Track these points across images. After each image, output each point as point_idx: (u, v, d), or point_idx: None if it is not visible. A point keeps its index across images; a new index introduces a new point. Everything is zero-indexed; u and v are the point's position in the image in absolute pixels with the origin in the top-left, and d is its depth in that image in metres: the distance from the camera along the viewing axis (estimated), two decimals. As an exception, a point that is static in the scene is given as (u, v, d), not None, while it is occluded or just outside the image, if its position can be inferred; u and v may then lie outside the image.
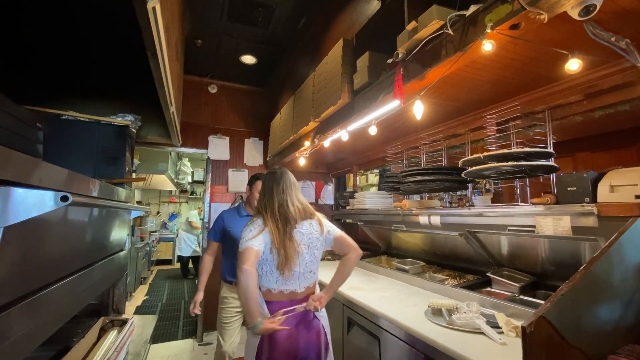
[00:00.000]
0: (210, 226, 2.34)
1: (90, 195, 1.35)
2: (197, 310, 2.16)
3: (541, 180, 1.68)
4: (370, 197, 3.04)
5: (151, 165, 5.31)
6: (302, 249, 1.51)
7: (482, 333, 1.31)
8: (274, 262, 1.47)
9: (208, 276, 2.26)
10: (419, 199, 2.60)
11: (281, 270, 1.46)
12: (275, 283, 1.49)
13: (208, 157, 4.01)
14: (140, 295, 5.45)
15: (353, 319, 1.95)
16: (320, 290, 1.60)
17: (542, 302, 1.46)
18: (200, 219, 6.22)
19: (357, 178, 4.09)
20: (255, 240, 1.43)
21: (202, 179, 6.34)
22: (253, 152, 4.23)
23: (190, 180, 8.58)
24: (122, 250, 2.20)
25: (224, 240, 2.25)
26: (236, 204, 2.48)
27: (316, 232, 1.57)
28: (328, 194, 4.49)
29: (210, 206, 3.92)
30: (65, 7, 2.31)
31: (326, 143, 2.61)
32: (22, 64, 2.55)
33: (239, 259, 1.41)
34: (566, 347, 0.86)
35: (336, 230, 1.63)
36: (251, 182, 2.28)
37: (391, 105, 1.73)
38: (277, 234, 1.48)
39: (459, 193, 2.30)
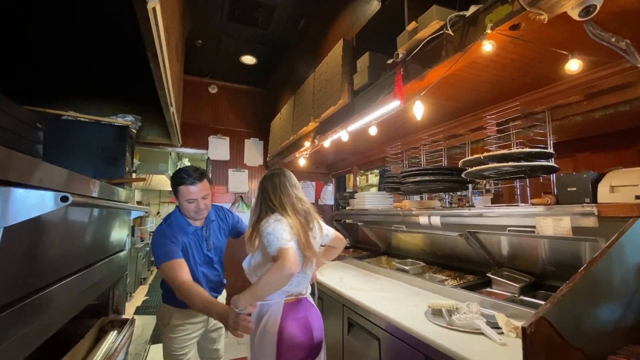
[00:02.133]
0: (158, 248, 1.57)
1: (90, 195, 1.35)
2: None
3: (541, 180, 1.68)
4: (371, 198, 3.04)
5: (151, 166, 5.32)
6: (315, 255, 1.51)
7: (482, 333, 1.31)
8: None
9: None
10: (419, 199, 2.60)
11: (303, 270, 1.42)
12: (290, 285, 1.41)
13: (208, 158, 4.02)
14: (140, 296, 5.45)
15: (353, 320, 1.95)
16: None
17: (542, 302, 1.46)
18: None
19: (357, 178, 4.09)
20: (293, 241, 1.31)
21: (202, 179, 6.33)
22: (253, 153, 4.24)
23: (190, 181, 8.56)
24: (122, 250, 2.19)
25: None
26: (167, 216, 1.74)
27: (319, 236, 1.57)
28: (328, 194, 4.49)
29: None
30: (65, 8, 2.31)
31: (326, 143, 2.61)
32: (22, 65, 2.55)
33: (284, 259, 1.21)
34: (566, 347, 0.86)
35: (331, 230, 1.71)
36: (174, 189, 1.63)
37: (391, 105, 1.74)
38: (302, 232, 1.40)
39: (459, 193, 2.30)
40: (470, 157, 1.70)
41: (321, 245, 1.69)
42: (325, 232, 1.64)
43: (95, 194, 1.42)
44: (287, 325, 1.37)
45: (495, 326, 1.34)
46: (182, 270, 1.51)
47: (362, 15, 2.12)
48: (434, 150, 2.46)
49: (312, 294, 1.65)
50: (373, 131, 2.11)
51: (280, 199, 1.46)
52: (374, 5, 1.99)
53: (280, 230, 1.32)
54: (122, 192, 2.02)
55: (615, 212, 1.22)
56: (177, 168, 1.72)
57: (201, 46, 3.38)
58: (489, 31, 1.10)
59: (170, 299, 1.67)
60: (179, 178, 1.60)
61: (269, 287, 1.26)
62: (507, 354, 1.16)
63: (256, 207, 1.52)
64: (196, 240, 1.72)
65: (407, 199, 2.66)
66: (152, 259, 7.50)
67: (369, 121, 2.04)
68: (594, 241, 1.39)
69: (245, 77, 4.15)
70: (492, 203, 1.99)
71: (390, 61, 1.63)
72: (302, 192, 1.59)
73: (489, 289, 1.87)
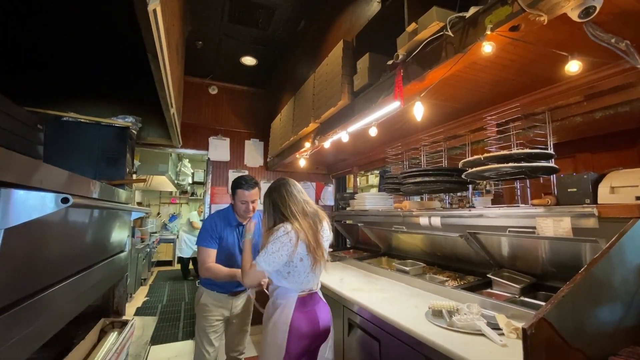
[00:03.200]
0: (202, 233, 2.03)
1: (90, 196, 1.35)
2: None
3: (541, 181, 1.68)
4: (371, 198, 3.04)
5: (152, 167, 5.31)
6: (325, 254, 1.64)
7: (482, 334, 1.31)
8: (303, 267, 1.55)
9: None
10: (419, 200, 2.60)
11: (312, 271, 1.57)
12: (301, 284, 1.58)
13: (208, 158, 4.02)
14: (140, 297, 5.45)
15: (353, 321, 1.95)
16: None
17: (542, 303, 1.46)
18: (201, 220, 6.22)
19: (358, 179, 4.09)
20: (276, 264, 1.51)
21: (203, 180, 6.35)
22: (253, 153, 4.24)
23: (190, 182, 8.59)
24: (122, 251, 2.19)
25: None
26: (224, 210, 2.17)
27: (328, 235, 1.70)
28: (328, 195, 4.49)
29: (210, 207, 3.92)
30: (66, 9, 2.31)
31: (326, 144, 2.61)
32: (23, 66, 2.56)
33: (247, 274, 1.54)
34: (567, 348, 0.86)
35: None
36: (233, 190, 2.02)
37: (391, 106, 1.74)
38: (310, 233, 1.55)
39: (459, 194, 2.30)
40: (470, 158, 1.70)
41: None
42: (330, 233, 1.73)
43: (95, 195, 1.42)
44: (297, 317, 1.55)
45: (495, 327, 1.34)
46: (210, 257, 1.98)
47: (362, 16, 2.12)
48: (434, 151, 2.46)
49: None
50: (373, 132, 2.11)
51: (289, 207, 1.58)
52: (374, 7, 1.99)
53: (276, 251, 1.48)
54: (123, 193, 2.02)
55: (615, 213, 1.22)
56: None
57: (201, 47, 3.38)
58: (488, 32, 1.11)
59: (204, 281, 2.09)
60: (239, 183, 1.99)
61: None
62: (508, 355, 1.16)
63: (269, 216, 1.62)
64: (236, 234, 2.09)
65: (407, 199, 2.66)
66: (153, 259, 7.54)
67: (369, 122, 2.04)
68: (594, 242, 1.39)
69: (246, 78, 4.15)
70: (492, 204, 2.00)
71: (390, 62, 1.64)
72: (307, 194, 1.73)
73: (489, 290, 1.87)
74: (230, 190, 2.07)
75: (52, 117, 2.36)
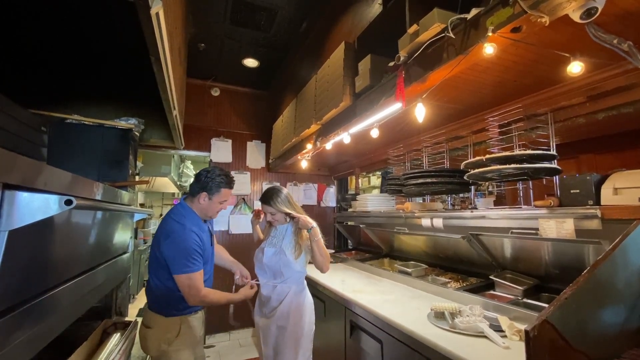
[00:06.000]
0: (185, 255, 1.51)
1: (93, 198, 1.36)
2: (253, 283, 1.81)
3: (544, 182, 1.67)
4: (373, 200, 3.04)
5: (154, 168, 5.32)
6: None
7: (485, 337, 1.31)
8: None
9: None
10: (421, 201, 2.59)
11: None
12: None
13: (210, 160, 4.03)
14: (142, 298, 5.46)
15: (355, 322, 1.95)
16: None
17: (545, 305, 1.45)
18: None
19: (359, 180, 4.09)
20: None
21: (205, 182, 6.32)
22: (255, 155, 4.25)
23: (192, 183, 8.59)
24: (125, 252, 2.20)
25: None
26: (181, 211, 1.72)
27: None
28: (330, 196, 4.49)
29: (212, 209, 3.92)
30: (69, 12, 2.33)
31: (328, 145, 2.62)
32: (27, 69, 2.58)
33: (327, 263, 1.82)
34: (570, 351, 0.85)
35: None
36: (214, 189, 1.65)
37: (393, 108, 1.74)
38: None
39: (461, 195, 2.29)
40: (472, 159, 1.70)
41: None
42: None
43: (98, 197, 1.43)
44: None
45: (498, 329, 1.33)
46: (202, 281, 1.56)
47: (363, 18, 2.12)
48: (436, 152, 2.45)
49: None
50: (375, 133, 2.11)
51: (298, 208, 1.92)
52: (376, 8, 2.00)
53: None
54: (125, 195, 2.03)
55: (619, 214, 1.22)
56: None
57: (204, 49, 3.40)
58: (490, 34, 1.11)
59: (176, 310, 1.62)
60: (224, 181, 1.67)
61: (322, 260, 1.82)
62: (510, 357, 1.15)
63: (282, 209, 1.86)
64: (206, 237, 1.73)
65: (409, 201, 2.65)
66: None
67: (371, 123, 2.04)
68: (597, 244, 1.38)
69: (248, 80, 4.16)
70: (494, 205, 1.99)
71: (391, 64, 1.64)
72: None
73: (492, 292, 1.86)
74: (204, 190, 1.65)
75: (56, 119, 2.38)
